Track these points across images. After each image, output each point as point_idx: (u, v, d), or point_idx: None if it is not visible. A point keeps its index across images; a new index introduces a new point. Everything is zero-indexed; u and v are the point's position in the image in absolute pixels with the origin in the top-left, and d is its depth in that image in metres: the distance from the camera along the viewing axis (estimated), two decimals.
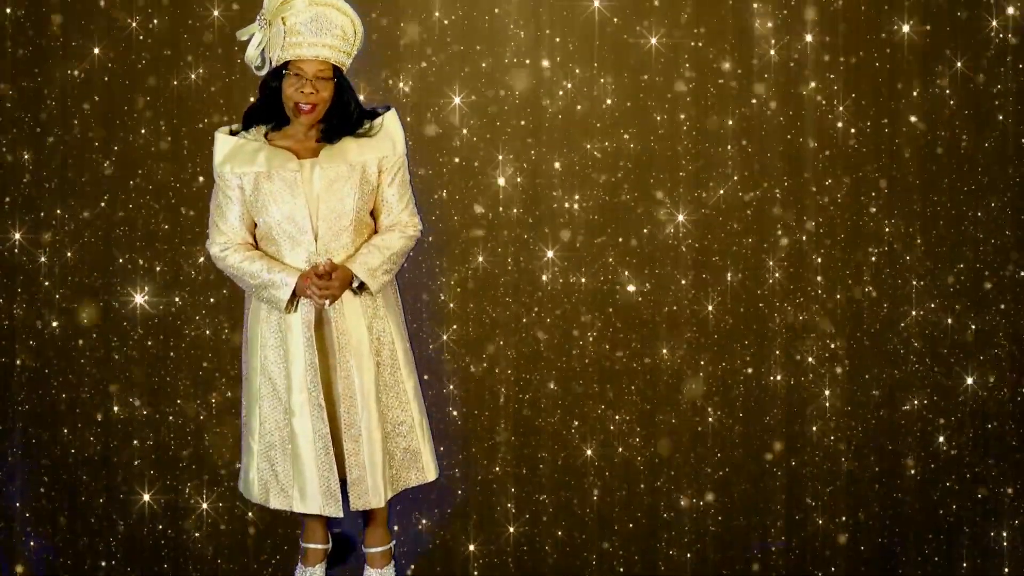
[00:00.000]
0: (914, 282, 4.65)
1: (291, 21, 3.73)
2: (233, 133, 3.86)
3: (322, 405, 3.82)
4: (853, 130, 4.61)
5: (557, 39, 4.55)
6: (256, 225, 3.86)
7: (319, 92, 3.74)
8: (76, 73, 4.49)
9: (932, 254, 4.65)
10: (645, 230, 4.61)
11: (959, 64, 4.60)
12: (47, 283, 4.53)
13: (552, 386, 4.63)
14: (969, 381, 4.68)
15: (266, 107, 3.82)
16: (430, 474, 4.02)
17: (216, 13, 4.49)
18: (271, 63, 3.80)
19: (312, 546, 4.16)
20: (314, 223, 3.80)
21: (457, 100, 4.55)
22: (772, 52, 4.58)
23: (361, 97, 4.26)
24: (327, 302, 3.77)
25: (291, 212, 3.79)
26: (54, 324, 4.53)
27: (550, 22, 4.55)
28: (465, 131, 4.56)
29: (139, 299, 4.55)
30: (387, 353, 3.91)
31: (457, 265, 4.60)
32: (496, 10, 4.55)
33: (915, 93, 4.61)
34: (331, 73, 3.76)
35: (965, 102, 4.62)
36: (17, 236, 4.52)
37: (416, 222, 3.95)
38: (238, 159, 3.81)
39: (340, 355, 3.83)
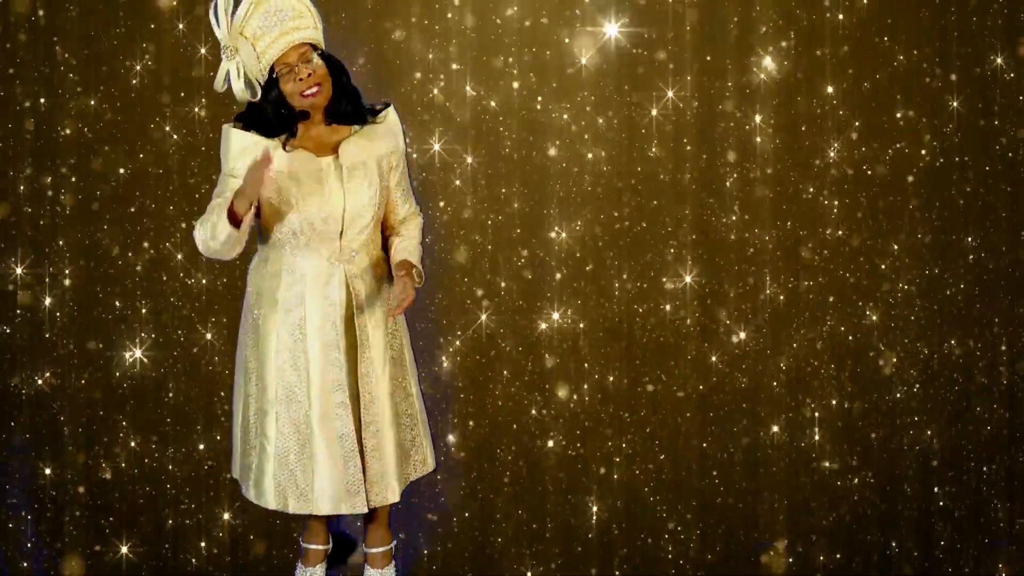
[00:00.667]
0: (914, 311, 4.71)
1: (249, 31, 3.74)
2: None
3: (346, 403, 3.85)
4: (864, 164, 4.69)
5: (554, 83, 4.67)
6: (261, 223, 3.86)
7: (315, 71, 3.75)
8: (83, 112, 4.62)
9: (934, 283, 4.72)
10: (650, 260, 4.69)
11: (955, 104, 4.67)
12: (48, 305, 4.63)
13: (555, 414, 4.69)
14: (978, 410, 4.73)
15: (280, 119, 3.80)
16: (430, 465, 4.08)
17: (203, 51, 4.61)
18: (259, 81, 3.80)
19: (313, 547, 4.18)
20: (342, 220, 3.82)
21: (454, 149, 4.67)
22: (776, 74, 4.67)
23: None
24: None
25: (320, 210, 3.79)
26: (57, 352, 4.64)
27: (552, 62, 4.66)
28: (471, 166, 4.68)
29: (138, 352, 4.64)
30: (396, 348, 3.96)
31: (457, 296, 4.68)
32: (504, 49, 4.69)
33: (925, 135, 4.68)
34: (312, 52, 3.76)
35: (968, 132, 4.68)
36: (19, 271, 4.63)
37: (418, 209, 4.04)
38: (254, 156, 3.74)
39: (361, 352, 3.87)
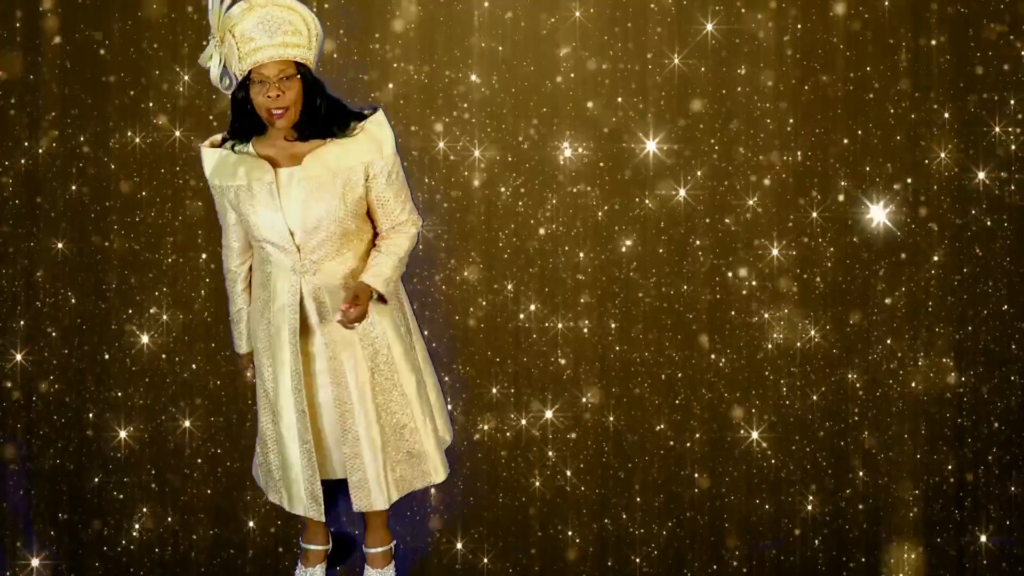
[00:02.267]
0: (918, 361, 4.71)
1: (239, 30, 3.66)
2: (223, 141, 3.87)
3: (305, 411, 3.88)
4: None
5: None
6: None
7: (286, 94, 3.67)
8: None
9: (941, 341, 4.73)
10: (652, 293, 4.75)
11: (943, 155, 4.69)
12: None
13: (540, 444, 4.73)
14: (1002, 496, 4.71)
15: (244, 120, 3.77)
16: (438, 476, 4.07)
17: (187, 77, 4.68)
18: (236, 77, 3.72)
19: (313, 547, 4.26)
20: (294, 233, 3.79)
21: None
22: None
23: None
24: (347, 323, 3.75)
25: (272, 223, 3.76)
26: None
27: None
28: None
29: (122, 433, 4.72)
30: (383, 357, 3.92)
31: (454, 315, 4.73)
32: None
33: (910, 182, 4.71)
34: (295, 71, 3.68)
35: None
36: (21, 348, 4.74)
37: (416, 219, 3.93)
38: (222, 172, 3.81)
39: (330, 361, 3.88)
